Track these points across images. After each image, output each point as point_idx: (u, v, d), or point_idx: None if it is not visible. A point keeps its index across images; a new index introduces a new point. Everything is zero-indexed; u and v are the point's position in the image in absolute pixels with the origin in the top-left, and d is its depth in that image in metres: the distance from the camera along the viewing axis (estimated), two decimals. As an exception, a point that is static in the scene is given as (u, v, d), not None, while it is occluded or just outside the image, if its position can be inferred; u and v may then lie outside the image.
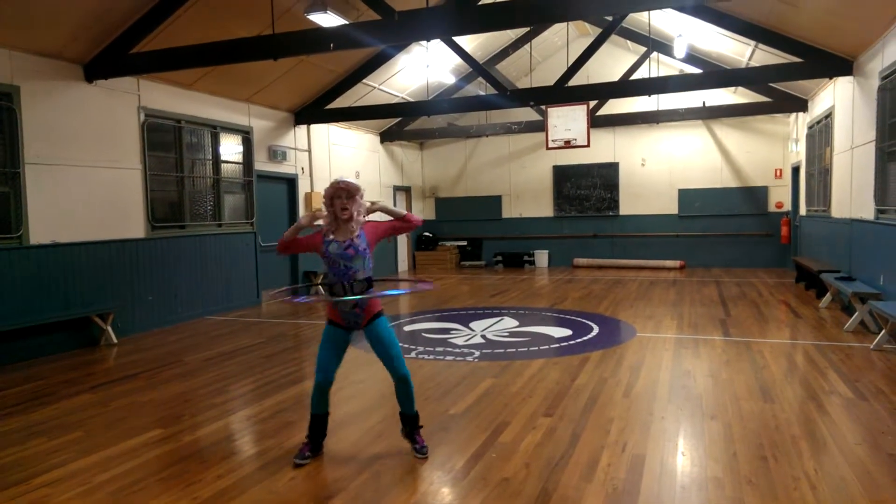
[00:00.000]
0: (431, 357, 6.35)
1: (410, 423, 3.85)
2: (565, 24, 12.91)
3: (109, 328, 7.50)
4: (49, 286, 7.05)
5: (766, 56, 9.96)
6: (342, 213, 3.66)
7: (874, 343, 6.21)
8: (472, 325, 8.08)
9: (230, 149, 10.03)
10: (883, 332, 6.13)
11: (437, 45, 10.89)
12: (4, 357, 6.53)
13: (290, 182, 11.60)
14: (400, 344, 3.92)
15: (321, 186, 12.32)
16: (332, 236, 3.69)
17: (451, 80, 13.26)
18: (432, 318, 8.68)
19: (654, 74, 12.23)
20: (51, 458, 3.93)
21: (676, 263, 14.41)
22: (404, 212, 3.83)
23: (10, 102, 6.71)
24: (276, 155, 10.99)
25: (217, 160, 9.65)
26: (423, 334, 7.63)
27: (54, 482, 3.56)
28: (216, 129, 9.61)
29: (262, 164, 10.69)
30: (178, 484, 3.49)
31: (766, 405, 4.58)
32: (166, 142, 8.77)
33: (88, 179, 7.57)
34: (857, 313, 7.04)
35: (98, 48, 7.40)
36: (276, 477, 3.56)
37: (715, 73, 10.93)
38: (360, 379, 5.51)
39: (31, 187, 6.88)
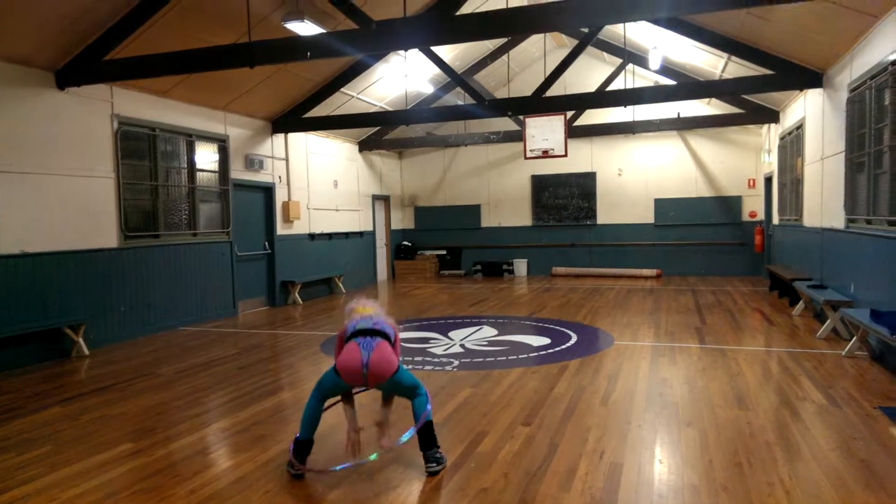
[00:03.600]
0: (410, 367, 6.31)
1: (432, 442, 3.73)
2: (542, 35, 13.04)
3: (81, 339, 7.35)
4: (18, 297, 6.88)
5: (738, 68, 10.15)
6: None
7: (846, 350, 6.32)
8: (450, 334, 8.06)
9: (206, 157, 9.93)
10: (854, 339, 6.24)
11: (415, 54, 10.93)
12: (-29, 370, 6.36)
13: (268, 191, 11.51)
14: None
15: (299, 195, 12.25)
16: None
17: (429, 89, 13.30)
18: (411, 328, 8.64)
19: (629, 86, 12.41)
20: (19, 473, 3.82)
21: (653, 272, 14.57)
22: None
23: (-21, 109, 6.57)
24: (252, 164, 10.90)
25: (192, 169, 9.54)
26: (402, 344, 7.59)
27: (23, 498, 3.46)
28: (192, 138, 9.51)
29: (238, 173, 10.60)
30: (150, 499, 3.41)
31: (741, 412, 4.63)
32: (140, 150, 8.65)
33: (60, 188, 7.42)
34: (828, 321, 7.17)
35: (70, 55, 7.29)
36: (251, 490, 3.50)
37: (689, 85, 11.10)
38: (338, 389, 5.45)
39: (1, 196, 6.73)
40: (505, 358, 6.65)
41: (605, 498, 3.28)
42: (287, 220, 11.86)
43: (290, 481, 3.61)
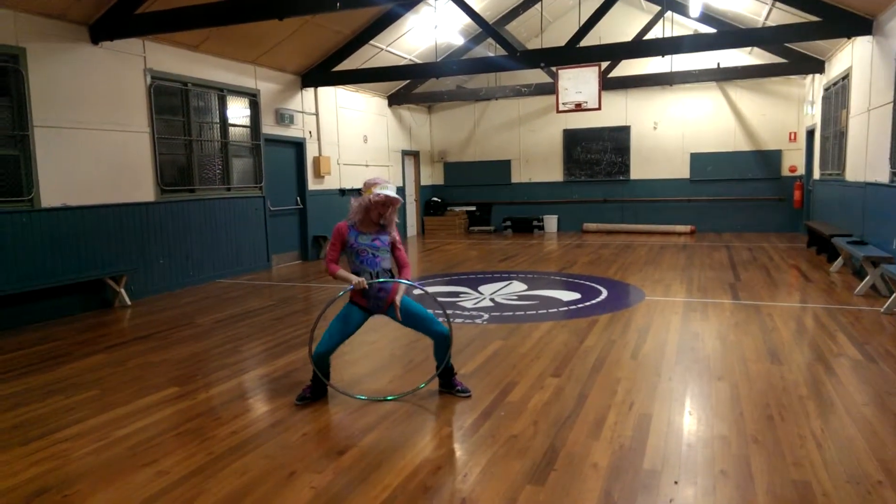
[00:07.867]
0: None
1: (449, 374, 4.20)
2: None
3: (123, 290, 7.59)
4: (62, 249, 7.11)
5: (783, 15, 9.71)
6: (378, 219, 4.02)
7: (885, 307, 6.19)
8: (480, 288, 8.11)
9: (237, 112, 9.98)
10: (894, 295, 6.10)
11: (445, 4, 10.69)
12: (20, 318, 6.64)
13: (298, 146, 11.55)
14: None
15: (329, 150, 12.27)
16: (359, 228, 4.04)
17: (459, 41, 13.05)
18: (442, 282, 8.72)
19: (667, 34, 11.98)
20: (69, 414, 4.02)
21: (687, 228, 14.34)
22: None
23: (17, 64, 6.67)
24: (283, 118, 10.92)
25: (224, 123, 9.60)
26: (434, 298, 7.65)
27: (73, 437, 3.65)
28: (223, 92, 9.54)
29: (269, 128, 10.64)
30: (193, 439, 3.57)
31: (774, 367, 4.60)
32: (173, 105, 8.73)
33: (97, 142, 7.56)
34: (868, 277, 7.01)
35: (103, 9, 7.32)
36: (289, 433, 3.63)
37: (730, 33, 10.68)
38: (371, 340, 5.57)
39: (41, 150, 6.89)
40: (535, 312, 6.68)
41: (633, 446, 3.32)
42: (318, 175, 11.92)
43: (327, 425, 3.73)
